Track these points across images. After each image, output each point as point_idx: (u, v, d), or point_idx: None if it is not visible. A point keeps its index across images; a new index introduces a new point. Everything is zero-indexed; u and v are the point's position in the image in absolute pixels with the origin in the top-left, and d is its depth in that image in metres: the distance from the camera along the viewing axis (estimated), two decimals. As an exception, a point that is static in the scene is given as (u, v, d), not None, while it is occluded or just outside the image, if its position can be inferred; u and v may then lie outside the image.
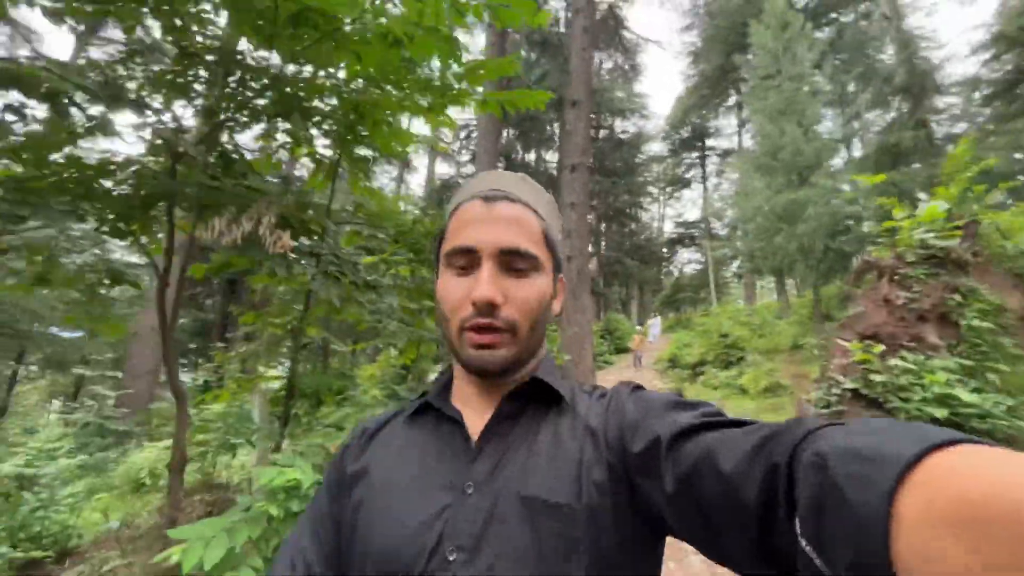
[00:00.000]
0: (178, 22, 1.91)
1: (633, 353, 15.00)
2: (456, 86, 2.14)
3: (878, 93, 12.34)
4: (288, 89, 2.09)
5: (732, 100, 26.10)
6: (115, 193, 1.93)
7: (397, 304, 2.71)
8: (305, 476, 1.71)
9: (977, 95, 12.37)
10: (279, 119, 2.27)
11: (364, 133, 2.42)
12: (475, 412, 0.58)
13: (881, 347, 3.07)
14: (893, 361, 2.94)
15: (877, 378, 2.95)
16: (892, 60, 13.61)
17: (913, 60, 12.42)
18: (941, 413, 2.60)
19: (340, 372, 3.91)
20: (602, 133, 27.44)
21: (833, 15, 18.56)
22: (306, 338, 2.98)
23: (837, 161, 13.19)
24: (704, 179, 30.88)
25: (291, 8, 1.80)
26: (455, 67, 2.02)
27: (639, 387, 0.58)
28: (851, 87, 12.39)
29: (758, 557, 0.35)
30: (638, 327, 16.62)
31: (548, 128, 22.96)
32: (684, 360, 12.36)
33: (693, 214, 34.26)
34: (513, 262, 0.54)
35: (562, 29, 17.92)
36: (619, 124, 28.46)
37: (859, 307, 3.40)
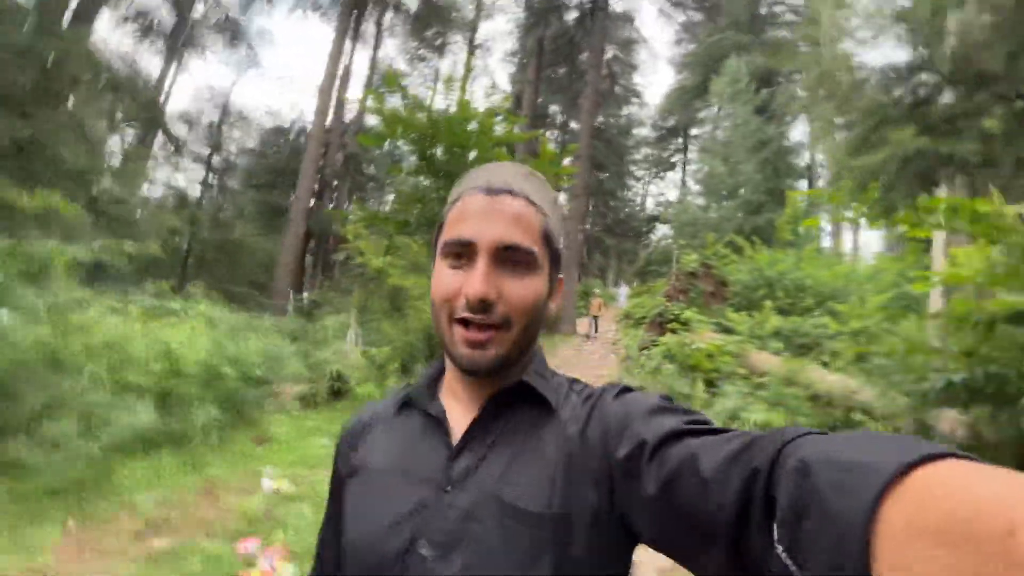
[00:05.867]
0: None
1: (589, 317, 14.28)
2: None
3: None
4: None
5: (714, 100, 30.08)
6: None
7: None
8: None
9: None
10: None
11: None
12: (462, 406, 0.59)
13: (665, 299, 9.76)
14: (669, 304, 9.60)
15: (664, 311, 9.63)
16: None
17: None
18: (673, 314, 9.25)
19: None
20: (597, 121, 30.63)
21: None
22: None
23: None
24: (685, 164, 32.92)
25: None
26: None
27: (626, 389, 0.56)
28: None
29: (731, 564, 0.35)
30: (596, 291, 16.75)
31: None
32: (636, 315, 14.83)
33: (673, 195, 34.70)
34: (510, 258, 0.53)
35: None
36: (612, 112, 31.10)
37: (668, 285, 10.21)
